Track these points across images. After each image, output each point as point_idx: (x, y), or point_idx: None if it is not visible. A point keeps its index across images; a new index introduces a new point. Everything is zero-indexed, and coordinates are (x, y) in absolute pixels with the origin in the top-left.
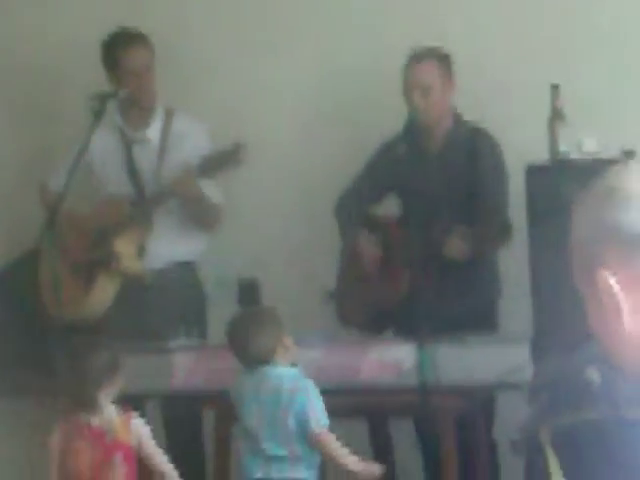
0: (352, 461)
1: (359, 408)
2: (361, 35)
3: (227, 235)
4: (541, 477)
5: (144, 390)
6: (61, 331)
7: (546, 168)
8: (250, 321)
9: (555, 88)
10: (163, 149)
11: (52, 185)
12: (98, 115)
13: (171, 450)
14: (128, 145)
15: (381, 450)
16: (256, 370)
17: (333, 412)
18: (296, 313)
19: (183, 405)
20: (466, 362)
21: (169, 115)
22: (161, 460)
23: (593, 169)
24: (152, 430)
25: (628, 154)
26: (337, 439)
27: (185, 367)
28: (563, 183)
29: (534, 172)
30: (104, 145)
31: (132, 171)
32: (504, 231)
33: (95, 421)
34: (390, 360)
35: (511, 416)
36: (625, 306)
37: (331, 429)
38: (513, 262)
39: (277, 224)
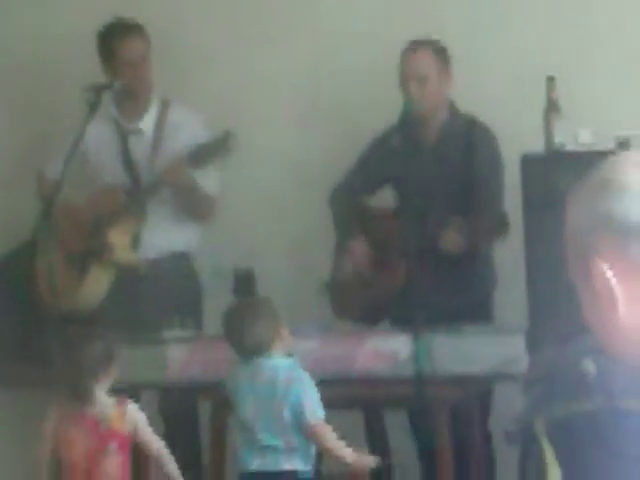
0: (347, 453)
1: (355, 399)
2: (357, 27)
3: (223, 225)
4: (536, 468)
5: (139, 381)
6: (57, 321)
7: (542, 159)
8: (246, 312)
9: (551, 80)
10: (159, 140)
11: (49, 173)
12: (93, 106)
13: (167, 441)
14: (123, 136)
15: (377, 440)
16: (251, 361)
17: (329, 403)
18: (292, 303)
19: (179, 396)
20: (462, 353)
21: (165, 106)
22: (158, 446)
23: (588, 160)
24: (148, 421)
25: (623, 145)
26: (333, 430)
27: (181, 358)
28: (558, 174)
29: (529, 163)
30: (99, 136)
31: (127, 162)
32: (501, 224)
33: (90, 410)
34: (386, 351)
35: (506, 407)
36: (620, 296)
37: (327, 420)
38: (508, 253)
39: (273, 215)
